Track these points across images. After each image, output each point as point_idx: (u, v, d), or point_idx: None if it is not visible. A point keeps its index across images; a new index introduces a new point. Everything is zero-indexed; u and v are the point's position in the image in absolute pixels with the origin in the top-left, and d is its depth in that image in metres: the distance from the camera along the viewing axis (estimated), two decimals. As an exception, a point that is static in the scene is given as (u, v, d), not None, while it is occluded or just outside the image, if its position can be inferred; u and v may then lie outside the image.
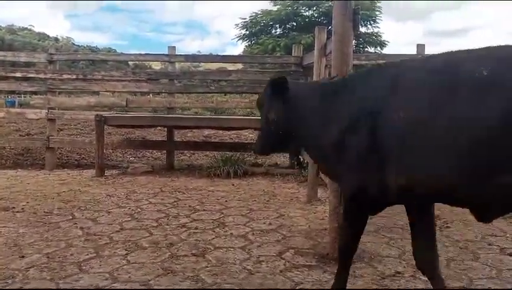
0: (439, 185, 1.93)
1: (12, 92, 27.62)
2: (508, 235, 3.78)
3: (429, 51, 7.07)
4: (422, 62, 2.38)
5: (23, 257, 3.13)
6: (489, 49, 1.92)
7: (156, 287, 2.67)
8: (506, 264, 3.12)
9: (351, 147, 2.16)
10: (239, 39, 31.33)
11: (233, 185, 5.84)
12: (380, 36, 29.33)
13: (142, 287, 2.67)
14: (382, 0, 28.08)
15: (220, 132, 9.59)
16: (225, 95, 9.36)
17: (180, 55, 7.78)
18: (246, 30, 30.70)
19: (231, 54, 31.57)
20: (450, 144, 1.84)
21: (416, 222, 2.34)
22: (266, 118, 2.62)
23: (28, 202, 4.73)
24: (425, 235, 2.33)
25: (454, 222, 4.15)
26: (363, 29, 27.30)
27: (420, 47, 7.04)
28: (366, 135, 2.09)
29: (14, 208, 4.48)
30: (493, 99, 1.75)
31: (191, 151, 8.23)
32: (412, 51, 7.12)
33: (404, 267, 3.02)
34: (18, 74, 7.48)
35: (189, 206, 4.68)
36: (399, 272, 2.92)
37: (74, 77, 7.33)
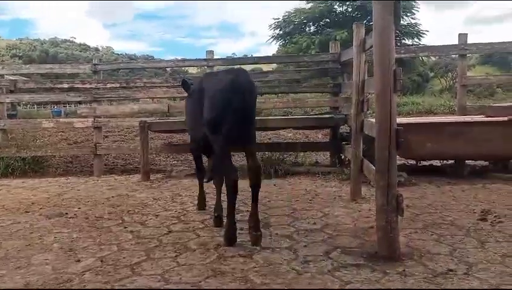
0: (194, 137, 4.27)
1: (58, 102, 28.81)
2: None
3: (471, 39, 6.82)
4: (211, 74, 4.46)
5: (78, 261, 3.27)
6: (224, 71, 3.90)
7: (206, 288, 2.72)
8: None
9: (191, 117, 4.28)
10: (273, 39, 31.42)
11: (274, 185, 5.85)
12: (418, 26, 28.65)
13: (194, 288, 2.73)
14: (419, -9, 27.46)
15: (259, 132, 9.63)
16: (261, 95, 9.38)
17: (218, 58, 7.88)
18: (280, 30, 30.74)
19: (265, 54, 31.59)
20: (195, 118, 3.95)
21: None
22: None
23: (79, 208, 4.94)
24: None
25: (506, 216, 3.99)
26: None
27: (462, 36, 6.82)
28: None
29: (67, 214, 4.68)
30: (201, 101, 3.70)
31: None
32: (451, 40, 6.89)
33: (457, 264, 2.94)
34: (65, 85, 7.83)
35: (233, 207, 4.73)
36: (451, 270, 2.84)
37: (118, 85, 7.59)
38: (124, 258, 3.30)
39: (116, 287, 2.78)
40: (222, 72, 3.92)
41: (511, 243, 3.32)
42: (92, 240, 3.75)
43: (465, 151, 5.64)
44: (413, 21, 28.78)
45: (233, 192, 3.47)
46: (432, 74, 27.97)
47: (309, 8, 29.30)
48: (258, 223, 3.55)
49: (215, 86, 3.54)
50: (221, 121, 3.39)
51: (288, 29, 30.10)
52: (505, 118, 5.44)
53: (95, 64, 7.62)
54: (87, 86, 7.60)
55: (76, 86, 7.78)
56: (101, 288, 2.77)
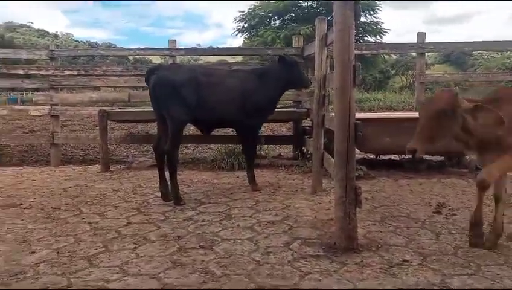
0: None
1: (14, 90, 27.62)
2: (513, 221, 3.79)
3: (430, 39, 7.03)
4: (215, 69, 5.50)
5: (33, 252, 3.17)
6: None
7: (165, 280, 2.70)
8: (513, 250, 3.13)
9: None
10: (238, 32, 31.27)
11: (238, 177, 5.85)
12: (380, 25, 29.24)
13: (152, 280, 2.70)
14: (382, -11, 27.99)
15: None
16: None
17: (181, 48, 7.76)
18: (245, 23, 30.61)
19: (231, 46, 31.40)
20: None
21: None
22: None
23: (35, 199, 4.77)
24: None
25: (460, 209, 4.16)
26: (362, 19, 27.17)
27: (421, 35, 7.01)
28: None
29: (21, 204, 4.52)
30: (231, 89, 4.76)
31: (195, 145, 8.23)
32: (412, 39, 7.08)
33: (412, 255, 3.04)
34: (20, 71, 7.51)
35: (195, 199, 4.70)
36: (407, 261, 2.94)
37: (76, 72, 7.32)
38: (80, 249, 3.22)
39: (72, 279, 2.71)
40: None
41: (464, 235, 3.45)
42: (47, 232, 3.64)
43: (422, 146, 5.79)
44: (375, 19, 29.32)
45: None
46: (393, 72, 28.68)
47: (274, 2, 29.29)
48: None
49: None
50: None
51: (254, 22, 30.00)
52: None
53: (52, 51, 7.33)
54: (44, 72, 7.31)
55: (33, 72, 7.48)
56: (56, 280, 2.69)
